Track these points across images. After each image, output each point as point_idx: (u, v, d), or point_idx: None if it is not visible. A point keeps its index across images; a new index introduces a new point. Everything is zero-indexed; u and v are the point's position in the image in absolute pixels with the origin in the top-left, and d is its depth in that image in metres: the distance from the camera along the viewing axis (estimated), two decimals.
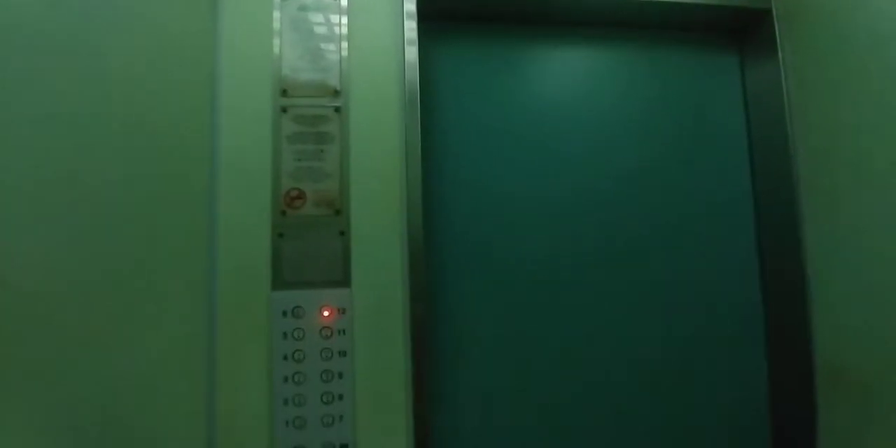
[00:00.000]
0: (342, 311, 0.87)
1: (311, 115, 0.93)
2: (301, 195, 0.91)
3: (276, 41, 0.93)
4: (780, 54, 1.03)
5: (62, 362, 0.57)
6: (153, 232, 0.75)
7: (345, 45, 0.94)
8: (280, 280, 0.87)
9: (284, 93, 0.92)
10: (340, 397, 0.85)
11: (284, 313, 0.86)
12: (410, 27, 0.95)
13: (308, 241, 0.89)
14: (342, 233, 0.90)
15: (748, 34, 1.12)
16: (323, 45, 0.94)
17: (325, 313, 0.86)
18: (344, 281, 0.88)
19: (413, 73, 0.94)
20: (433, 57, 1.04)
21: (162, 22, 0.79)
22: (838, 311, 0.92)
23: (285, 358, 0.85)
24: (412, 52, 0.94)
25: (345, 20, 0.95)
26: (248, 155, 0.89)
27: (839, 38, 0.92)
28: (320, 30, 0.95)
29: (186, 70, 0.86)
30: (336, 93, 0.94)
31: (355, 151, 0.92)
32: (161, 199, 0.77)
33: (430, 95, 1.03)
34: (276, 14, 0.94)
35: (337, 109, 0.93)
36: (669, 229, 1.08)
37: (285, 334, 0.85)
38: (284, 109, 0.92)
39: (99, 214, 0.65)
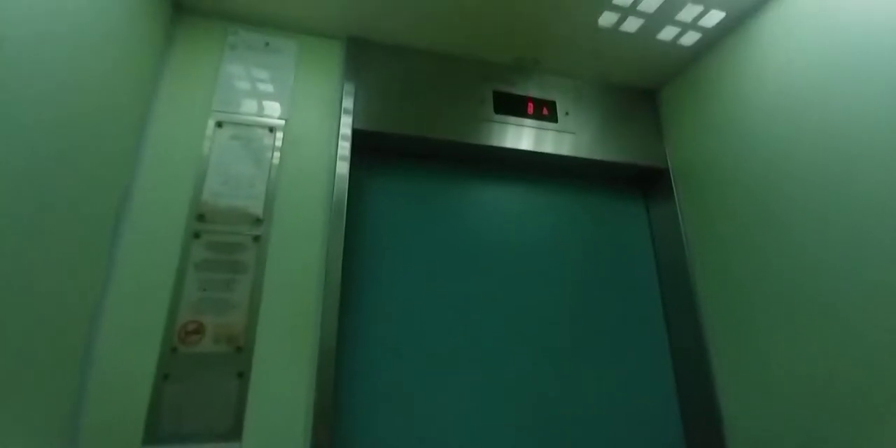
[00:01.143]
0: None
1: (226, 242, 0.89)
2: (199, 329, 0.83)
3: (202, 165, 0.93)
4: (676, 202, 1.17)
5: None
6: (17, 367, 0.63)
7: (275, 172, 0.96)
8: (154, 433, 0.75)
9: (201, 217, 0.90)
10: None
11: None
12: (344, 146, 0.98)
13: (197, 384, 0.79)
14: (240, 374, 0.81)
15: (651, 186, 1.26)
16: (251, 174, 0.95)
17: None
18: (233, 434, 0.78)
19: (342, 185, 0.95)
20: (361, 183, 1.07)
21: (85, 131, 0.77)
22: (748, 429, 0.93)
23: None
24: (343, 167, 0.97)
25: (277, 151, 0.97)
26: (145, 280, 0.82)
27: (719, 190, 1.06)
28: (251, 159, 0.96)
29: (99, 181, 0.82)
30: (258, 221, 0.92)
31: (270, 282, 0.88)
32: (34, 325, 0.67)
33: (355, 218, 1.04)
34: (207, 139, 0.95)
35: (256, 238, 0.91)
36: (593, 349, 1.10)
37: None
38: (197, 235, 0.88)
39: None
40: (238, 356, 0.82)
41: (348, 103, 1.02)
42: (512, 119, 1.11)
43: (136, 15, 0.86)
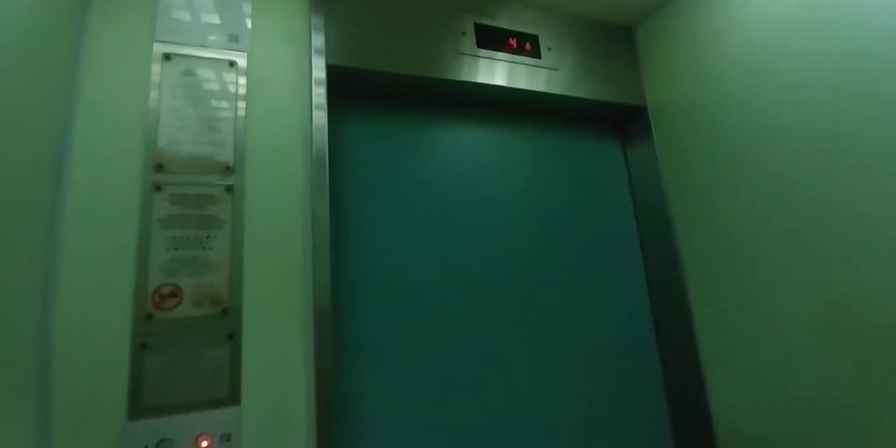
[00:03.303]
0: (226, 438, 0.69)
1: (193, 194, 0.78)
2: (176, 292, 0.74)
3: (153, 107, 0.79)
4: (654, 141, 1.18)
5: None
6: None
7: (242, 114, 0.84)
8: (140, 406, 0.67)
9: (159, 168, 0.78)
10: None
11: None
12: (319, 93, 0.88)
13: (182, 351, 0.71)
14: (231, 336, 0.74)
15: (629, 125, 1.26)
16: (213, 116, 0.83)
17: (204, 444, 0.68)
18: (231, 398, 0.71)
19: (321, 138, 0.86)
20: (339, 130, 0.98)
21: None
22: (729, 382, 1.00)
23: None
24: (321, 117, 0.87)
25: (242, 90, 0.85)
26: (101, 243, 0.71)
27: (696, 129, 1.08)
28: (212, 97, 0.83)
29: (24, 135, 0.68)
30: (228, 169, 0.81)
31: (251, 236, 0.79)
32: None
33: (337, 168, 0.95)
34: (155, 77, 0.81)
35: (229, 188, 0.80)
36: (571, 293, 1.11)
37: None
38: (158, 187, 0.77)
39: None
40: (225, 318, 0.75)
41: (318, 40, 0.90)
42: (497, 55, 1.04)
43: None
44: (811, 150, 0.84)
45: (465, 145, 1.11)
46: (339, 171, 0.96)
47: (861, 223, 0.77)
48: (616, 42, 1.22)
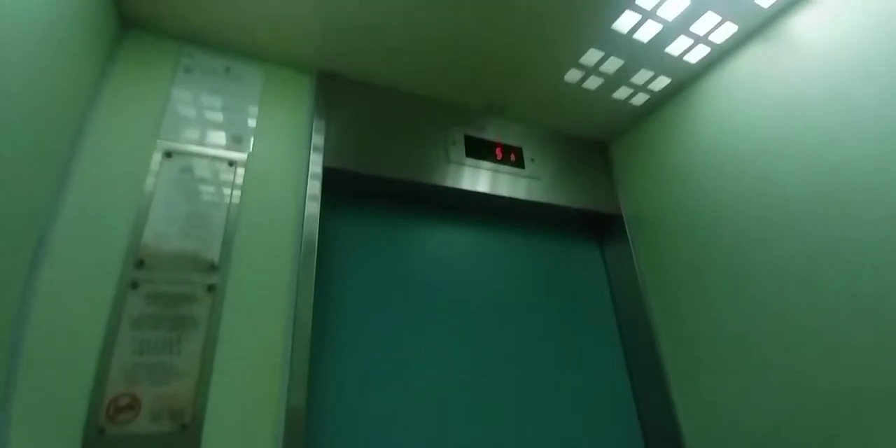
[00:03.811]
0: None
1: (171, 292, 0.75)
2: (134, 403, 0.67)
3: (145, 201, 0.79)
4: (630, 246, 1.23)
5: None
6: None
7: (235, 211, 0.84)
8: None
9: (140, 264, 0.75)
10: None
11: None
12: (314, 185, 0.91)
13: None
14: None
15: (606, 231, 1.32)
16: (205, 213, 0.82)
17: None
18: None
19: (312, 226, 0.86)
20: (330, 223, 0.98)
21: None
22: None
23: None
24: (313, 207, 0.88)
25: (238, 187, 0.86)
26: (65, 342, 0.66)
27: (668, 236, 1.14)
28: (207, 194, 0.84)
29: (9, 218, 0.65)
30: (212, 267, 0.79)
31: (226, 341, 0.75)
32: None
33: (325, 260, 0.94)
34: (153, 171, 0.81)
35: (210, 287, 0.78)
36: (556, 386, 1.08)
37: None
38: (135, 284, 0.74)
39: None
40: (183, 436, 0.67)
41: (318, 140, 0.95)
42: (483, 163, 1.11)
43: (76, 25, 0.73)
44: (775, 254, 0.90)
45: (453, 245, 1.13)
46: (327, 263, 0.95)
47: (830, 317, 0.80)
48: (593, 156, 1.33)
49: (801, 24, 0.91)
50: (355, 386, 0.89)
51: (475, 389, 0.99)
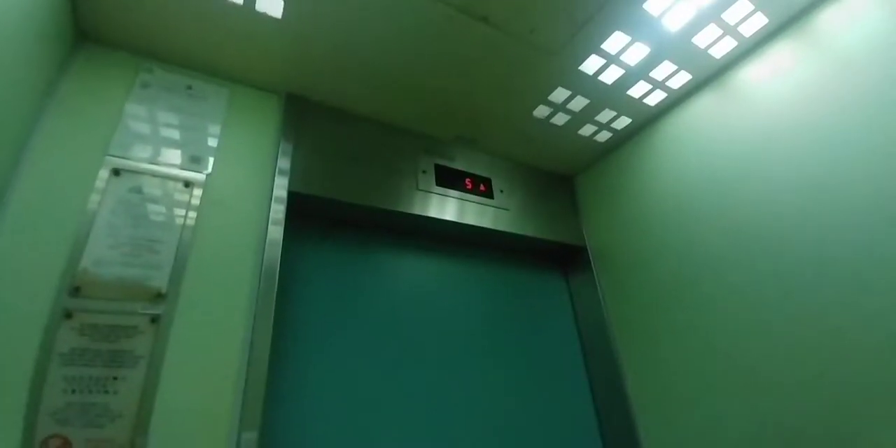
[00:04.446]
0: None
1: (109, 324, 0.68)
2: (65, 447, 0.60)
3: (85, 222, 0.72)
4: (594, 277, 1.25)
5: None
6: None
7: (188, 236, 0.79)
8: None
9: (76, 291, 0.68)
10: None
11: None
12: (278, 210, 0.87)
13: None
14: None
15: (571, 262, 1.34)
16: (154, 236, 0.77)
17: None
18: None
19: (275, 252, 0.82)
20: (293, 249, 0.94)
21: None
22: None
23: None
24: (276, 231, 0.84)
25: (193, 210, 0.81)
26: None
27: (630, 267, 1.17)
28: (157, 216, 0.78)
29: None
30: (158, 296, 0.73)
31: (171, 380, 0.68)
32: None
33: (285, 288, 0.89)
34: (98, 190, 0.75)
35: (154, 319, 0.71)
36: (520, 413, 1.06)
37: None
38: (69, 314, 0.67)
39: None
40: None
41: (284, 163, 0.92)
42: (453, 192, 1.11)
43: (27, 35, 0.68)
44: (728, 287, 0.93)
45: (420, 274, 1.11)
46: (289, 291, 0.90)
47: (781, 349, 0.83)
48: (559, 188, 1.37)
49: (749, 76, 0.98)
50: (316, 430, 0.83)
51: (439, 420, 0.96)
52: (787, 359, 0.83)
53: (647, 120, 1.19)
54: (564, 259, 1.36)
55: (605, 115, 1.16)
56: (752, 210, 0.92)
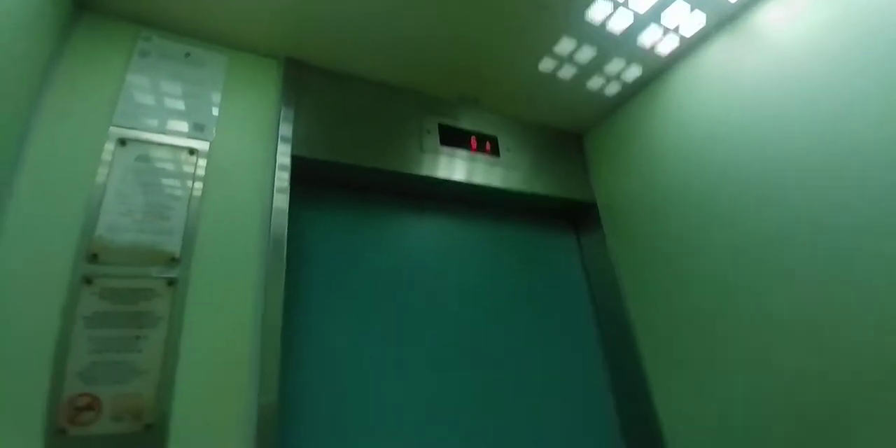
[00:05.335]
0: None
1: (128, 288, 0.71)
2: (93, 404, 0.63)
3: (97, 191, 0.74)
4: (605, 234, 1.24)
5: None
6: None
7: (196, 202, 0.80)
8: None
9: (94, 258, 0.71)
10: None
11: None
12: (282, 177, 0.87)
13: None
14: None
15: (581, 219, 1.33)
16: (164, 203, 0.78)
17: None
18: None
19: (281, 220, 0.83)
20: (300, 215, 0.95)
21: None
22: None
23: None
24: (282, 200, 0.85)
25: (200, 177, 0.82)
26: (15, 343, 0.61)
27: (641, 223, 1.16)
28: (165, 184, 0.80)
29: None
30: (173, 260, 0.75)
31: (190, 337, 0.71)
32: None
33: (294, 254, 0.91)
34: (106, 160, 0.76)
35: (171, 282, 0.74)
36: (531, 373, 1.08)
37: None
38: (88, 280, 0.69)
39: None
40: (148, 435, 0.64)
41: (286, 129, 0.91)
42: (458, 152, 1.10)
43: (27, 5, 0.68)
44: (743, 238, 0.92)
45: (428, 236, 1.12)
46: (297, 256, 0.92)
47: (788, 313, 0.82)
48: (567, 145, 1.34)
49: (767, 18, 0.92)
50: (329, 382, 0.86)
51: (449, 380, 0.98)
52: (804, 304, 0.81)
53: (659, 70, 1.14)
54: (574, 216, 1.35)
55: (614, 66, 1.12)
56: (767, 158, 0.89)
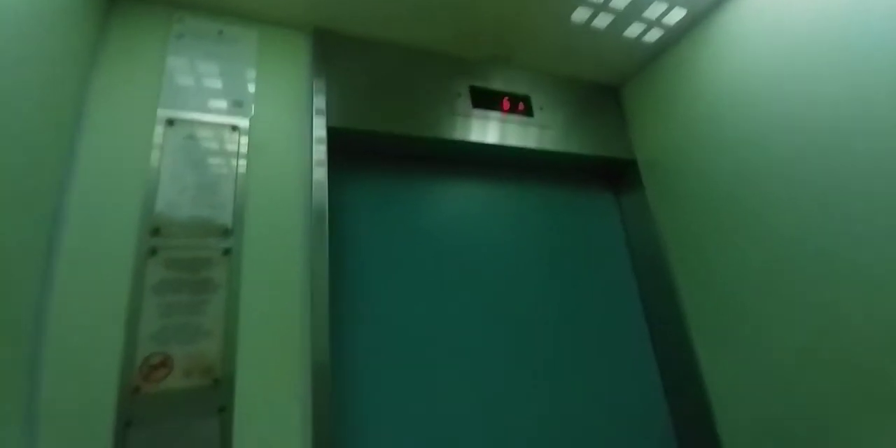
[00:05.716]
0: None
1: (189, 258, 0.77)
2: (165, 362, 0.71)
3: (153, 170, 0.80)
4: (645, 193, 1.20)
5: None
6: None
7: (242, 176, 0.84)
8: None
9: (156, 232, 0.77)
10: None
11: None
12: (320, 150, 0.90)
13: (170, 427, 0.67)
14: (222, 409, 0.70)
15: (621, 178, 1.29)
16: (214, 179, 0.83)
17: None
18: None
19: (322, 192, 0.87)
20: (339, 186, 0.98)
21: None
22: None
23: None
24: (321, 173, 0.88)
25: (243, 153, 0.86)
26: (92, 311, 0.68)
27: (685, 180, 1.11)
28: (213, 160, 0.84)
29: (20, 201, 0.67)
30: (226, 231, 0.80)
31: (247, 301, 0.77)
32: None
33: (336, 224, 0.95)
34: (157, 141, 0.81)
35: (226, 251, 0.79)
36: (571, 340, 1.09)
37: None
38: (153, 251, 0.76)
39: None
40: (216, 389, 0.71)
41: (320, 102, 0.93)
42: (491, 114, 1.08)
43: (62, 3, 0.72)
44: (802, 191, 0.86)
45: (463, 200, 1.12)
46: (338, 226, 0.96)
47: (843, 268, 0.77)
48: (604, 101, 1.28)
49: None
50: (375, 341, 0.91)
51: (491, 343, 1.01)
52: (874, 260, 0.76)
53: (705, 11, 1.05)
54: (613, 175, 1.31)
55: (654, 10, 1.04)
56: (827, 104, 0.82)
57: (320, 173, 0.88)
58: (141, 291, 0.73)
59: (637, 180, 1.23)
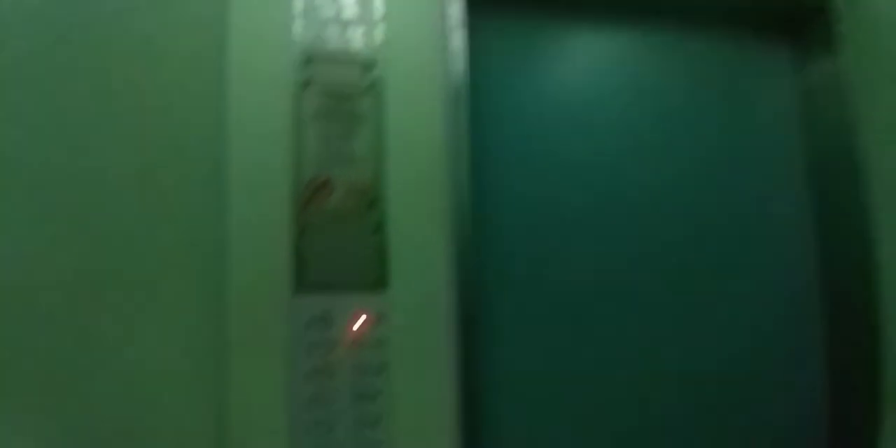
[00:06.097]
0: (379, 318, 0.74)
1: (340, 89, 0.80)
2: (328, 184, 0.77)
3: (298, 4, 0.80)
4: (838, 56, 0.94)
5: (63, 363, 0.59)
6: (157, 229, 0.68)
7: (380, 17, 0.83)
8: (303, 282, 0.73)
9: (308, 61, 0.79)
10: (376, 422, 0.71)
11: (308, 321, 0.72)
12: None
13: (337, 238, 0.76)
14: (377, 227, 0.77)
15: (802, 31, 1.03)
16: (354, 16, 0.82)
17: (359, 321, 0.73)
18: (380, 283, 0.75)
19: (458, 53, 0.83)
20: (478, 42, 0.92)
21: None
22: None
23: (308, 375, 0.71)
24: (457, 39, 0.83)
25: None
26: (262, 137, 0.75)
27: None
28: None
29: (193, 41, 0.76)
30: (370, 66, 0.81)
31: (392, 134, 0.80)
32: (165, 192, 0.71)
33: (474, 80, 0.91)
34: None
35: (371, 86, 0.81)
36: (721, 231, 0.99)
37: (309, 346, 0.71)
38: (308, 83, 0.79)
39: (97, 213, 0.65)
40: (371, 210, 0.77)
41: None
42: None
43: None
44: None
45: (604, 55, 1.01)
46: (475, 78, 0.92)
47: None
48: None
49: None
50: (519, 188, 0.92)
51: (621, 218, 0.95)
52: None
53: None
54: (793, 28, 1.04)
55: None
56: None
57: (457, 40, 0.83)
58: (302, 120, 0.77)
59: (828, 36, 0.95)
